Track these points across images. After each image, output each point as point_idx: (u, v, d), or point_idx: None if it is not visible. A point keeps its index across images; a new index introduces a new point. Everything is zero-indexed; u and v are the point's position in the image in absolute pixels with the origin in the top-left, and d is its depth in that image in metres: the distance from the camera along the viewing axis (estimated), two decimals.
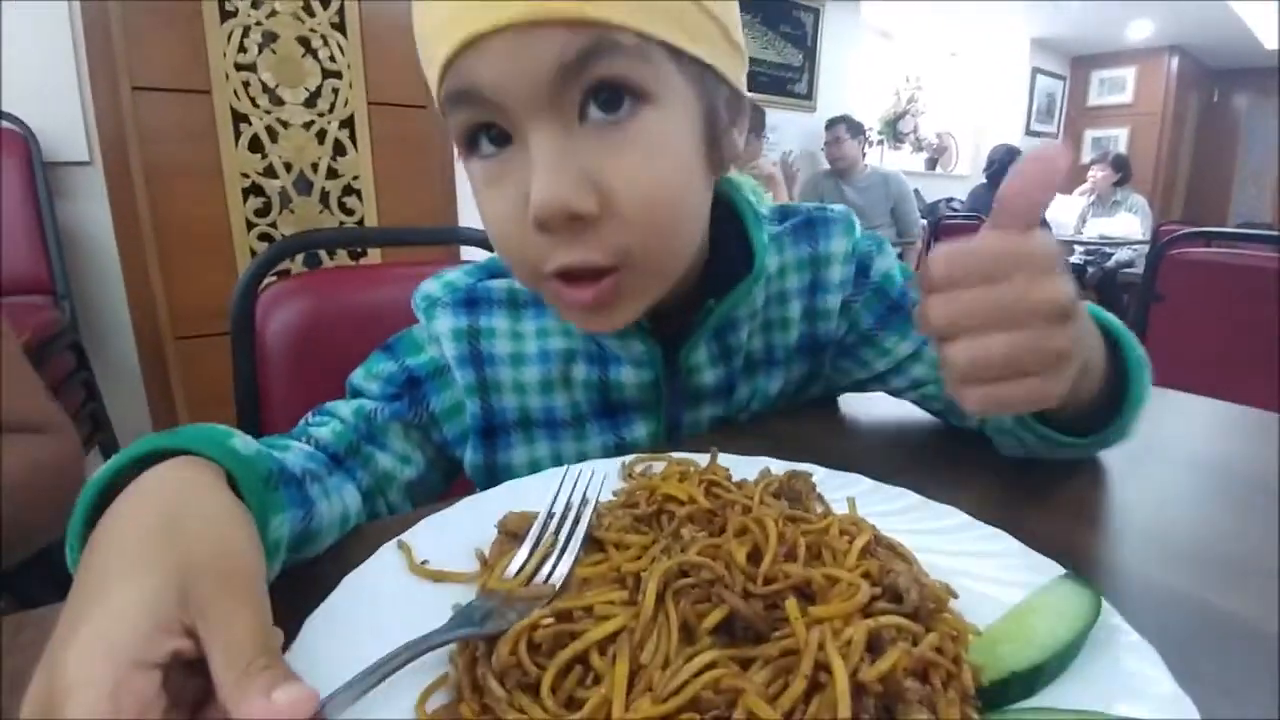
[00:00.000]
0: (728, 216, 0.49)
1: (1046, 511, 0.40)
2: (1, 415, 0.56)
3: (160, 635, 0.20)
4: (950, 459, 0.49)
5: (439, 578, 0.30)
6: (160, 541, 0.23)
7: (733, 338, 0.51)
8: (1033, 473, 0.45)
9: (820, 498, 0.36)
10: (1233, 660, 0.27)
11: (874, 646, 0.23)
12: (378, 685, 0.22)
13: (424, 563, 0.30)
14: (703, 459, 0.39)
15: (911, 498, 0.37)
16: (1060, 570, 0.29)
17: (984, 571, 0.30)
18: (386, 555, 0.31)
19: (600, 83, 0.36)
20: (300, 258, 1.78)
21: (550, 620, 0.24)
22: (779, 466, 0.39)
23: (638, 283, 0.40)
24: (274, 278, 0.79)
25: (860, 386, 0.58)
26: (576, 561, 0.29)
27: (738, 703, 0.21)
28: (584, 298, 0.39)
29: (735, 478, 0.36)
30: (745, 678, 0.22)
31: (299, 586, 0.32)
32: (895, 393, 0.55)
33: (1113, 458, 0.47)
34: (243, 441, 0.31)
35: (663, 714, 0.20)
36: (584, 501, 0.32)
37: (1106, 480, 0.46)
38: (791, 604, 0.24)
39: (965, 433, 0.52)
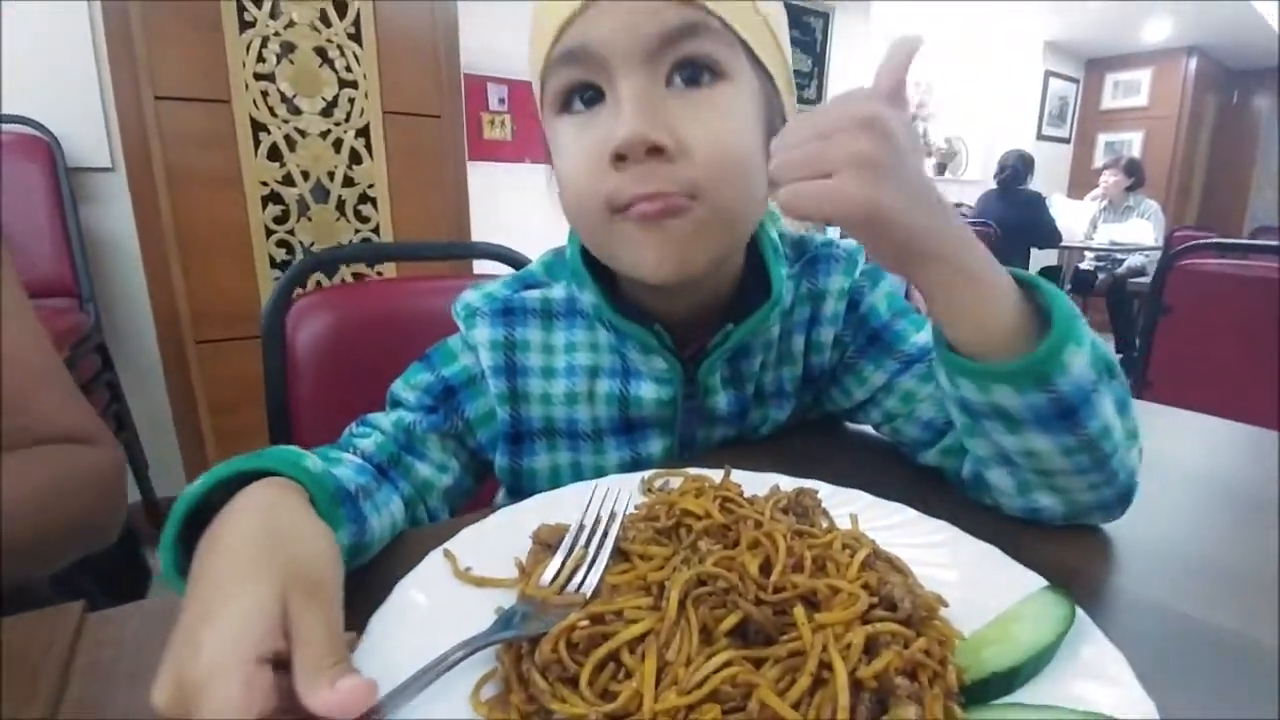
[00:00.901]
0: (752, 250, 0.53)
1: (1039, 529, 0.43)
2: (34, 423, 0.58)
3: (272, 636, 0.24)
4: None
5: (481, 583, 0.33)
6: (265, 553, 0.27)
7: (745, 364, 0.54)
8: None
9: (825, 513, 0.39)
10: (1211, 671, 0.30)
11: (870, 649, 0.26)
12: (438, 679, 0.25)
13: (467, 569, 0.34)
14: (716, 474, 0.42)
15: (909, 513, 0.40)
16: (1042, 582, 0.32)
17: (973, 581, 0.33)
18: (433, 562, 0.34)
19: (687, 59, 0.43)
20: None
21: (586, 623, 0.27)
22: (787, 483, 0.42)
23: (703, 218, 0.44)
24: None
25: (849, 417, 0.60)
26: (606, 571, 0.32)
27: (752, 695, 0.24)
28: (654, 206, 0.43)
29: (747, 493, 0.39)
30: (759, 674, 0.25)
31: (350, 588, 0.35)
32: (875, 427, 0.57)
33: None
34: (312, 462, 0.34)
35: (687, 704, 0.24)
36: (612, 516, 0.36)
37: None
38: (799, 611, 0.27)
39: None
